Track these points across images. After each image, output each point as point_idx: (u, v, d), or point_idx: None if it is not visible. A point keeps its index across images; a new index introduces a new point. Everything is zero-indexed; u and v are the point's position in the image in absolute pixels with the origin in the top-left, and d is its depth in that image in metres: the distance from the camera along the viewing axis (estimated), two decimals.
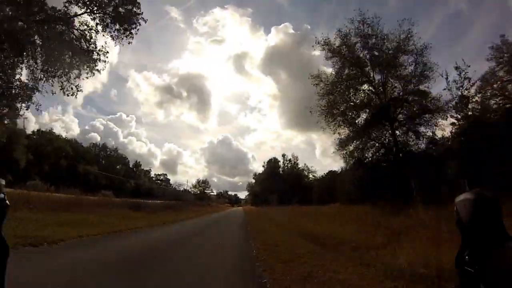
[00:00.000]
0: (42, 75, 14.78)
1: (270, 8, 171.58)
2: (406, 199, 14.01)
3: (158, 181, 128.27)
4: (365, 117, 24.42)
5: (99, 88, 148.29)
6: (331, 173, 74.76)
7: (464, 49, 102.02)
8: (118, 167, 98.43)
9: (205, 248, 9.80)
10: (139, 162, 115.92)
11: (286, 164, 76.32)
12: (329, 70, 25.62)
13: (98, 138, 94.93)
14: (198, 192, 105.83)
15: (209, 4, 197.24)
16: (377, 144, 23.45)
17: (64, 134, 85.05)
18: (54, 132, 78.15)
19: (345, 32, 24.61)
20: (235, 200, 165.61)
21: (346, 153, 23.44)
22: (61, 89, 15.48)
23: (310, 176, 71.06)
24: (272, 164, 78.09)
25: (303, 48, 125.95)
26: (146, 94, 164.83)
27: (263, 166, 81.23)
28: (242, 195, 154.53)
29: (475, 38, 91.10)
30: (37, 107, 15.41)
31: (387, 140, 23.21)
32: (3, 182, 1.26)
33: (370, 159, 22.55)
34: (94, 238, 9.69)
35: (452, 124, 20.21)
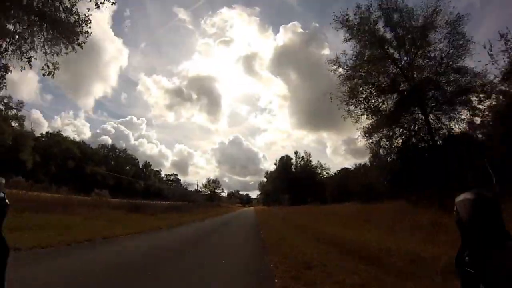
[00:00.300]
0: (13, 51, 12.34)
1: (278, 7, 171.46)
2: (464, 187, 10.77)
3: (169, 182, 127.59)
4: (392, 102, 21.22)
5: (110, 92, 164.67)
6: (344, 171, 71.94)
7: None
8: (127, 167, 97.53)
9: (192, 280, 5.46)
10: (149, 162, 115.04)
11: (298, 162, 73.46)
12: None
13: (110, 141, 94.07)
14: (209, 192, 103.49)
15: (217, 4, 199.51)
16: (406, 131, 20.24)
17: (77, 138, 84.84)
18: (62, 134, 77.49)
19: (366, 6, 21.43)
20: (246, 200, 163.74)
21: (372, 142, 20.33)
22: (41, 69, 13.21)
23: (324, 173, 67.98)
24: (284, 162, 75.05)
25: (312, 47, 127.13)
26: (156, 97, 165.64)
27: (275, 164, 78.54)
28: (254, 194, 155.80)
29: (486, 33, 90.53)
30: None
31: (418, 126, 19.98)
32: (3, 181, 1.27)
33: (400, 147, 19.35)
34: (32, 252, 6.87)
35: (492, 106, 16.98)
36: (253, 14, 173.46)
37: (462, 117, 19.06)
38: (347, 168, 69.39)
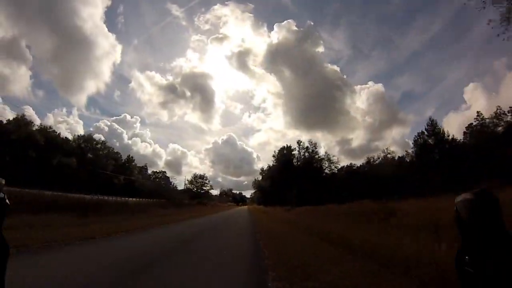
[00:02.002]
0: None
1: (272, 4, 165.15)
2: None
3: (157, 179, 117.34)
4: None
5: (103, 88, 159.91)
6: (348, 168, 62.82)
7: (470, 44, 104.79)
8: (107, 161, 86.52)
9: None
10: (131, 157, 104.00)
11: (302, 154, 62.36)
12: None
13: (103, 139, 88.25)
14: (195, 189, 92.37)
15: (210, 0, 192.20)
16: None
17: (70, 136, 77.80)
18: (26, 119, 65.99)
19: None
20: (240, 199, 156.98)
21: None
22: None
23: (332, 167, 58.20)
24: (284, 153, 63.91)
25: (307, 45, 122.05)
26: (149, 94, 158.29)
27: (274, 156, 67.09)
28: (248, 193, 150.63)
29: (480, 32, 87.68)
30: None
31: None
32: (3, 181, 1.22)
33: None
34: None
35: None
36: (246, 10, 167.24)
37: None
38: (353, 164, 60.26)
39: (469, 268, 1.09)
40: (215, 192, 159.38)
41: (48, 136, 66.50)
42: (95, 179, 70.97)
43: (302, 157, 61.63)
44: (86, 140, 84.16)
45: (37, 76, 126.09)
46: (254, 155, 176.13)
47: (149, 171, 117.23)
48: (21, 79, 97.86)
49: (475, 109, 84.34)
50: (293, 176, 54.58)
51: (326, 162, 59.80)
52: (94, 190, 53.29)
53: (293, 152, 63.25)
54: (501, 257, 1.03)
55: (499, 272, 1.02)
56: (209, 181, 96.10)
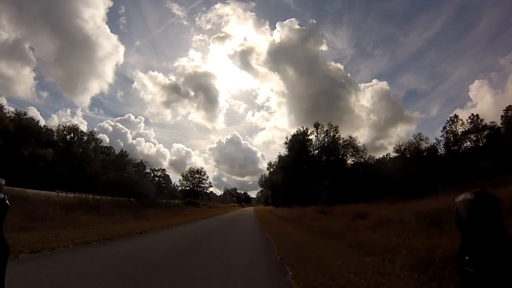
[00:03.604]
0: None
1: (274, 2, 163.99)
2: None
3: (156, 178, 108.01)
4: None
5: (106, 89, 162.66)
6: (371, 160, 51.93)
7: (474, 41, 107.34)
8: (94, 155, 76.83)
9: None
10: (125, 151, 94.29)
11: (322, 139, 49.62)
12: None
13: (107, 140, 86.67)
14: (190, 187, 78.55)
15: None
16: None
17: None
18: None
19: None
20: (245, 199, 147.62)
21: None
22: None
23: (355, 156, 46.96)
24: (299, 139, 50.30)
25: (310, 43, 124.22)
26: (152, 93, 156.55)
27: (286, 143, 52.75)
28: (253, 194, 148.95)
29: (484, 29, 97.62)
30: None
31: None
32: (3, 182, 1.20)
33: None
34: None
35: None
36: (248, 9, 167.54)
37: None
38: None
39: (469, 268, 1.08)
40: (219, 192, 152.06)
41: (22, 124, 56.86)
42: (77, 175, 61.59)
43: (322, 143, 49.38)
44: (71, 131, 74.38)
45: (41, 77, 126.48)
46: (259, 154, 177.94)
47: (148, 169, 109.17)
48: (25, 80, 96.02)
49: (480, 107, 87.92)
50: (313, 167, 43.46)
51: (351, 150, 47.79)
52: (75, 187, 44.34)
53: (309, 137, 50.28)
54: (501, 257, 1.02)
55: (499, 272, 1.01)
56: (207, 177, 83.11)
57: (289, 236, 12.45)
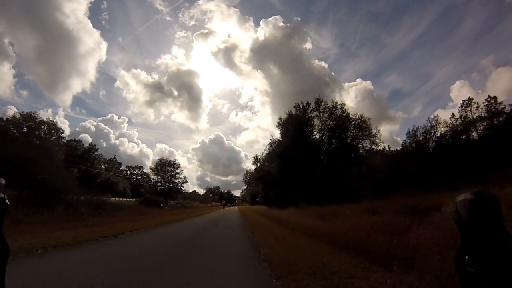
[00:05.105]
0: None
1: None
2: None
3: (133, 175, 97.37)
4: None
5: (88, 87, 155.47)
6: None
7: (457, 42, 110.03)
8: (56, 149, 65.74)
9: None
10: (94, 145, 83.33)
11: (325, 118, 39.54)
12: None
13: (90, 140, 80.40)
14: (161, 182, 65.94)
15: None
16: None
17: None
18: None
19: None
20: (228, 198, 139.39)
21: None
22: None
23: (365, 141, 38.01)
24: (298, 118, 39.10)
25: (294, 41, 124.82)
26: (136, 93, 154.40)
27: (279, 125, 41.51)
28: (237, 193, 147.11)
29: (468, 30, 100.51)
30: None
31: None
32: (3, 181, 1.17)
33: None
34: None
35: None
36: (232, 5, 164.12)
37: None
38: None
39: (469, 268, 1.07)
40: (202, 191, 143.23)
41: None
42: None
43: (327, 123, 38.77)
44: (26, 119, 62.76)
45: (21, 74, 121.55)
46: (242, 154, 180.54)
47: (123, 166, 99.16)
48: (4, 77, 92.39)
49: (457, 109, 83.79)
50: (316, 153, 34.37)
51: (362, 133, 37.90)
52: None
53: (311, 115, 39.54)
54: (501, 257, 1.02)
55: (499, 272, 1.01)
56: (181, 170, 69.78)
57: None
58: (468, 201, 1.12)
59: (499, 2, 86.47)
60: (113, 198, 36.55)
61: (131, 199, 52.34)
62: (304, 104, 39.32)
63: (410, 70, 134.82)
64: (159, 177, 66.71)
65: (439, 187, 23.53)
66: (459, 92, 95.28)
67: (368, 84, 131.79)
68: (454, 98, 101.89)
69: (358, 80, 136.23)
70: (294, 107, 39.58)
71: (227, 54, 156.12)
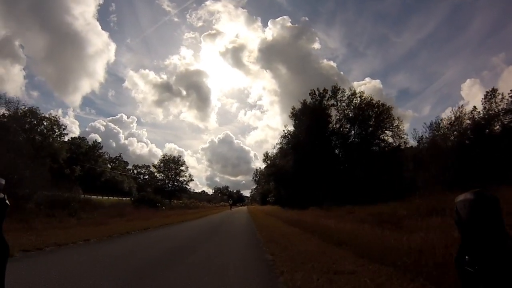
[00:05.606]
0: None
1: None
2: None
3: (140, 175, 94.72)
4: None
5: (97, 88, 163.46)
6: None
7: (466, 41, 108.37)
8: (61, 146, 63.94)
9: None
10: (98, 142, 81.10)
11: (344, 106, 35.22)
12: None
13: (99, 139, 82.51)
14: (166, 180, 61.66)
15: None
16: None
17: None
18: None
19: None
20: (237, 198, 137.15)
21: None
22: None
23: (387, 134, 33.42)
24: (311, 109, 34.60)
25: (302, 41, 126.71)
26: (144, 93, 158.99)
27: (292, 115, 37.16)
28: (246, 193, 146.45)
29: (477, 29, 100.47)
30: None
31: None
32: (3, 182, 1.15)
33: None
34: None
35: None
36: (239, 6, 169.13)
37: None
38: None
39: (469, 268, 1.07)
40: (211, 191, 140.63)
41: None
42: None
43: (344, 112, 34.54)
44: (27, 115, 60.39)
45: (31, 76, 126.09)
46: (251, 154, 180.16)
47: (130, 165, 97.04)
48: (15, 79, 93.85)
49: (473, 105, 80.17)
50: (326, 148, 29.78)
51: (385, 123, 33.08)
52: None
53: (329, 103, 34.98)
54: (501, 257, 1.02)
55: (499, 272, 1.00)
56: (187, 167, 65.16)
57: None
58: (468, 201, 1.09)
59: (508, 0, 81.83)
60: (94, 196, 33.01)
61: (124, 198, 49.41)
62: (321, 91, 34.74)
63: (418, 69, 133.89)
64: (163, 175, 63.24)
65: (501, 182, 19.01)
66: (470, 90, 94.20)
67: (377, 83, 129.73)
68: (465, 97, 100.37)
69: (367, 79, 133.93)
70: (309, 93, 35.09)
71: (235, 54, 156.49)
